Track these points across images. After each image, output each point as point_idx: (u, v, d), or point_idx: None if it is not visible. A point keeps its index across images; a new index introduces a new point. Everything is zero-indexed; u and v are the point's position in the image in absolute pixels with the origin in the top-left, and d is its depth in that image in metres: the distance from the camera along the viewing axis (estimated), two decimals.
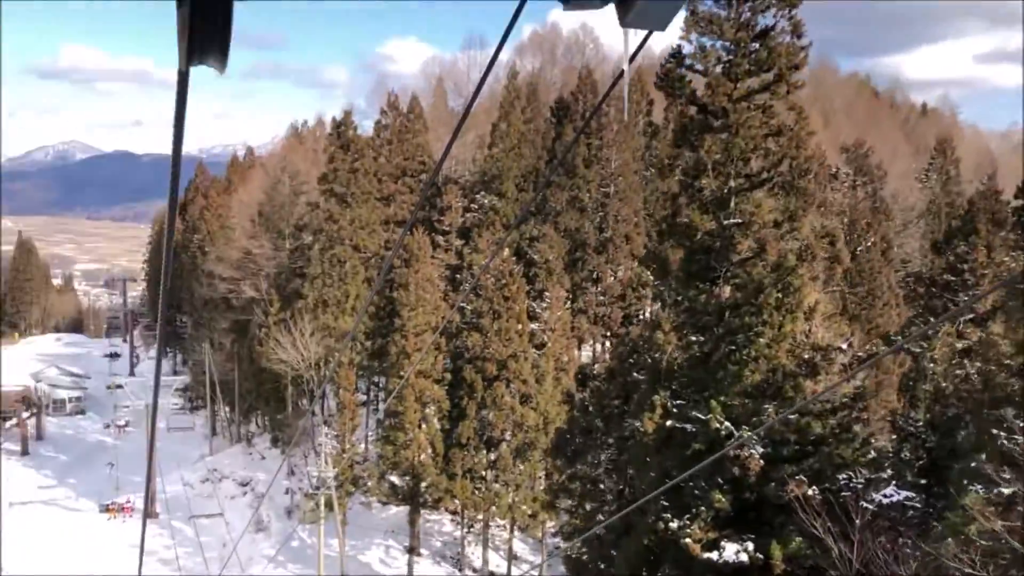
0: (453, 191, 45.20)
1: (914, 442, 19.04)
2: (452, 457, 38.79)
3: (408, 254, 39.45)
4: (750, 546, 17.17)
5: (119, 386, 68.60)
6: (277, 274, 48.94)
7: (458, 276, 44.71)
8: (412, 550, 41.08)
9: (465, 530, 43.40)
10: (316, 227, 46.12)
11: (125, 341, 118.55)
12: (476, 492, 39.33)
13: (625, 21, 1.61)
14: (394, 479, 40.23)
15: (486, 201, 45.79)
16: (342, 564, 40.23)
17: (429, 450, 39.45)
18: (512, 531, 41.71)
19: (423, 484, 39.21)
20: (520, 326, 39.02)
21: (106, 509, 47.50)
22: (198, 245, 67.85)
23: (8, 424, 61.82)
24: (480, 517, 41.53)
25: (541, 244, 44.45)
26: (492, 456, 39.61)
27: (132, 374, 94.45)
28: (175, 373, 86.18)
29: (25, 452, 61.16)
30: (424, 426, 39.84)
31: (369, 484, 40.94)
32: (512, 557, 42.15)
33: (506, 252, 40.40)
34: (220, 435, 64.40)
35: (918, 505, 16.86)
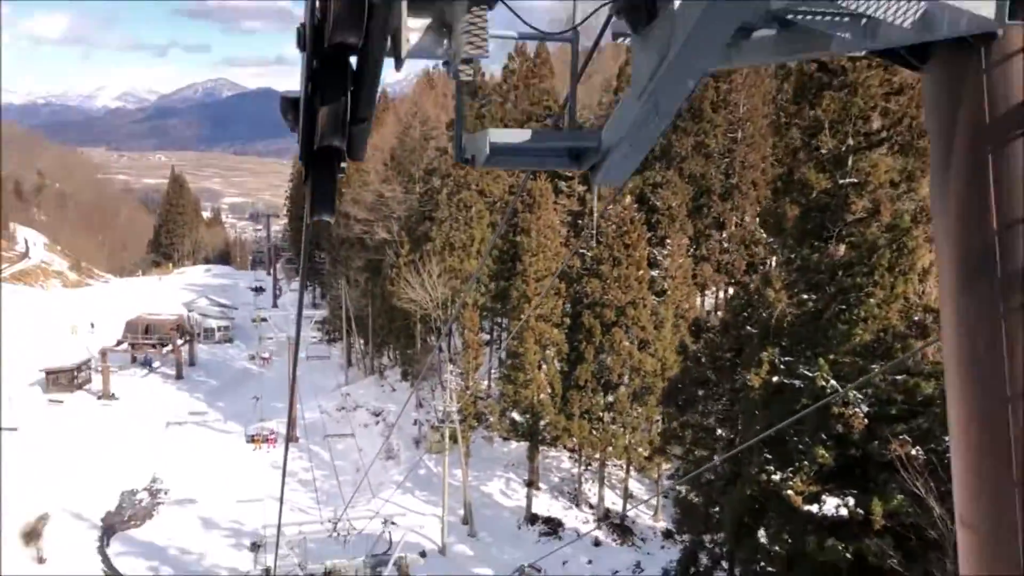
0: None
1: None
2: (570, 398, 40.08)
3: (531, 200, 40.42)
4: (851, 501, 17.62)
5: (263, 319, 73.33)
6: (408, 217, 51.01)
7: (580, 222, 45.41)
8: (531, 484, 42.96)
9: (582, 468, 44.92)
10: (444, 172, 47.62)
11: (269, 274, 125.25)
12: (593, 432, 40.58)
13: (593, 180, 2.51)
14: (515, 416, 41.93)
15: None
16: (465, 493, 42.58)
17: (548, 390, 40.89)
18: (628, 471, 42.92)
19: (542, 422, 40.77)
20: (640, 273, 39.56)
21: (251, 440, 51.40)
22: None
23: (165, 350, 67.26)
24: (597, 456, 42.83)
25: (664, 190, 44.50)
26: (609, 399, 40.69)
27: (275, 306, 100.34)
28: (314, 307, 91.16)
29: (179, 376, 66.56)
30: (544, 367, 41.28)
31: (491, 420, 42.91)
32: (627, 496, 43.48)
33: (628, 199, 40.75)
34: (355, 366, 68.15)
35: None
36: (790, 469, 18.26)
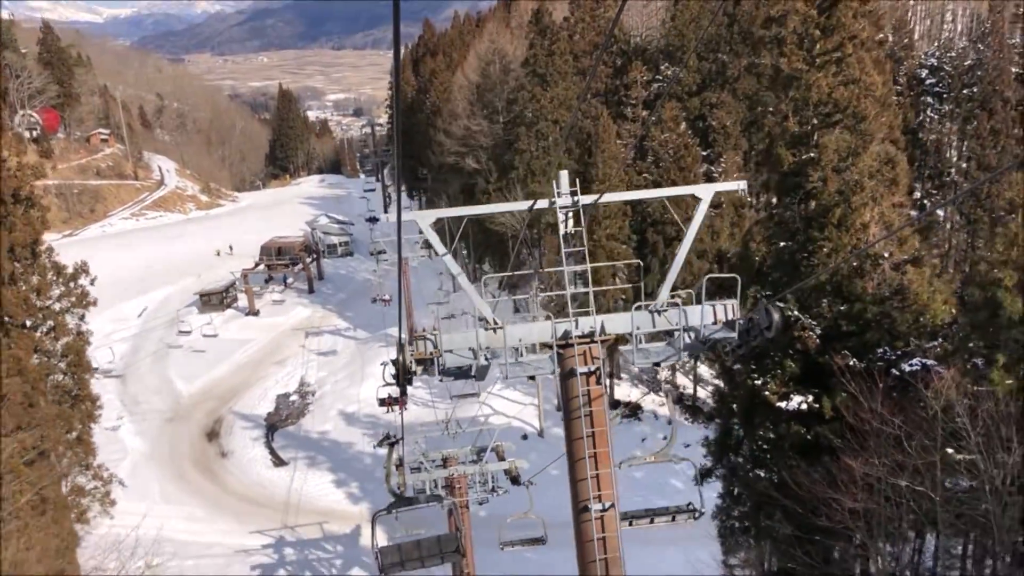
0: (638, 67, 50.49)
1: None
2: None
3: (596, 133, 46.18)
4: (809, 398, 24.13)
5: (375, 219, 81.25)
6: (493, 146, 57.41)
7: (644, 144, 50.81)
8: (611, 375, 50.44)
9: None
10: (522, 105, 53.52)
11: (378, 180, 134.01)
12: None
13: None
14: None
15: (669, 72, 50.88)
16: (556, 383, 50.40)
17: (622, 297, 47.66)
18: (696, 360, 49.72)
19: None
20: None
21: (375, 300, 60.26)
22: (430, 109, 77.55)
23: (297, 268, 76.95)
24: None
25: (719, 110, 49.27)
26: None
27: (385, 211, 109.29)
28: None
29: (311, 291, 76.34)
30: (616, 279, 47.93)
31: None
32: (697, 381, 50.48)
33: (683, 126, 46.01)
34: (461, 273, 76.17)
35: (940, 371, 22.89)
36: (768, 375, 24.85)
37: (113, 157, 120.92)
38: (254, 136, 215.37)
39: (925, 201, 47.73)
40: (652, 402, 50.64)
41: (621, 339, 10.74)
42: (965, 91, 46.91)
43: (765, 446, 26.42)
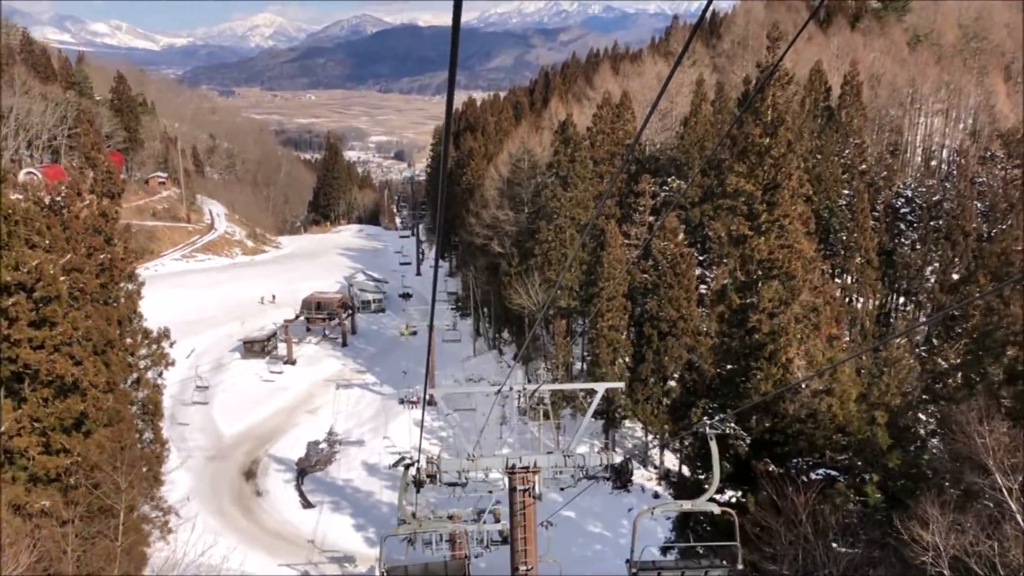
0: (647, 178, 57.51)
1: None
2: (635, 388, 53.15)
3: (603, 240, 53.06)
4: (739, 493, 30.39)
5: (408, 295, 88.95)
6: (517, 233, 64.56)
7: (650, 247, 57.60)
8: (605, 448, 56.51)
9: (649, 438, 58.13)
10: (544, 202, 60.70)
11: (412, 235, 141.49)
12: (653, 414, 53.63)
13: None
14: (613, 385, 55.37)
15: (674, 185, 57.89)
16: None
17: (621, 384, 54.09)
18: (682, 442, 55.72)
19: (613, 407, 54.17)
20: (687, 293, 51.77)
21: (401, 401, 66.91)
22: (465, 185, 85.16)
23: (334, 322, 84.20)
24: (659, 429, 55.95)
25: (715, 222, 55.98)
26: (665, 388, 53.53)
27: (418, 273, 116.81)
28: (450, 275, 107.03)
29: (344, 344, 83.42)
30: (615, 364, 54.43)
31: (575, 402, 56.59)
32: (683, 461, 56.38)
33: (680, 236, 52.79)
34: (482, 337, 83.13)
35: (841, 479, 29.10)
36: (708, 472, 31.13)
37: (169, 200, 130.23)
38: (299, 178, 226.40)
39: (892, 317, 53.92)
40: (641, 477, 56.62)
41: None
42: (932, 223, 53.25)
43: (708, 528, 32.62)
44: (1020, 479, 14.08)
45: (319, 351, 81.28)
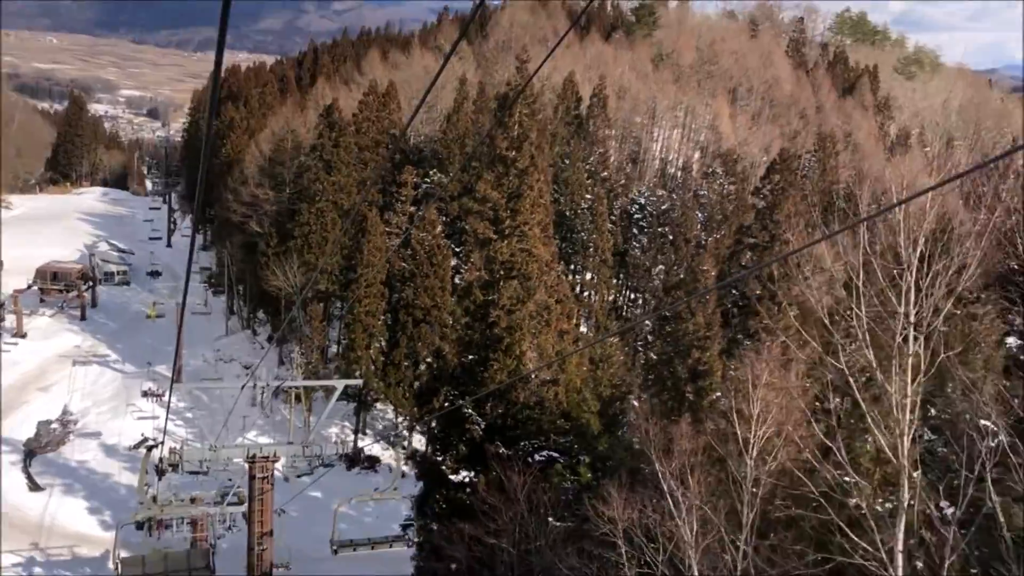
0: (410, 170, 59.45)
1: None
2: (388, 372, 55.07)
3: (364, 226, 54.39)
4: (473, 473, 33.26)
5: (157, 273, 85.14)
6: (277, 213, 64.17)
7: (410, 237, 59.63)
8: (357, 431, 58.24)
9: (400, 419, 60.37)
10: (306, 184, 60.89)
11: (164, 202, 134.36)
12: (404, 397, 55.84)
13: None
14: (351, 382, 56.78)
15: (435, 178, 60.30)
16: (306, 434, 57.47)
17: (372, 366, 55.73)
18: (431, 424, 58.48)
19: (365, 390, 55.79)
20: (442, 283, 54.36)
21: (146, 394, 64.07)
22: (224, 159, 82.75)
23: (72, 294, 78.95)
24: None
25: (471, 216, 59.01)
26: (417, 373, 55.89)
27: (169, 244, 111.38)
28: (204, 249, 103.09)
29: (83, 318, 78.55)
30: (370, 349, 56.03)
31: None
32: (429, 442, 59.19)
33: (438, 228, 55.29)
34: (236, 316, 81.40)
35: (560, 461, 32.65)
36: (448, 454, 33.77)
37: None
38: (34, 130, 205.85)
39: (623, 312, 59.84)
40: (390, 457, 58.72)
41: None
42: (660, 229, 59.59)
43: (444, 505, 35.26)
44: (672, 464, 17.52)
45: (54, 324, 76.02)
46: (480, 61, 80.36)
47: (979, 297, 28.35)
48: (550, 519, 29.54)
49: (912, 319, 15.42)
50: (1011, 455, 17.07)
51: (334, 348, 63.84)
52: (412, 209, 60.16)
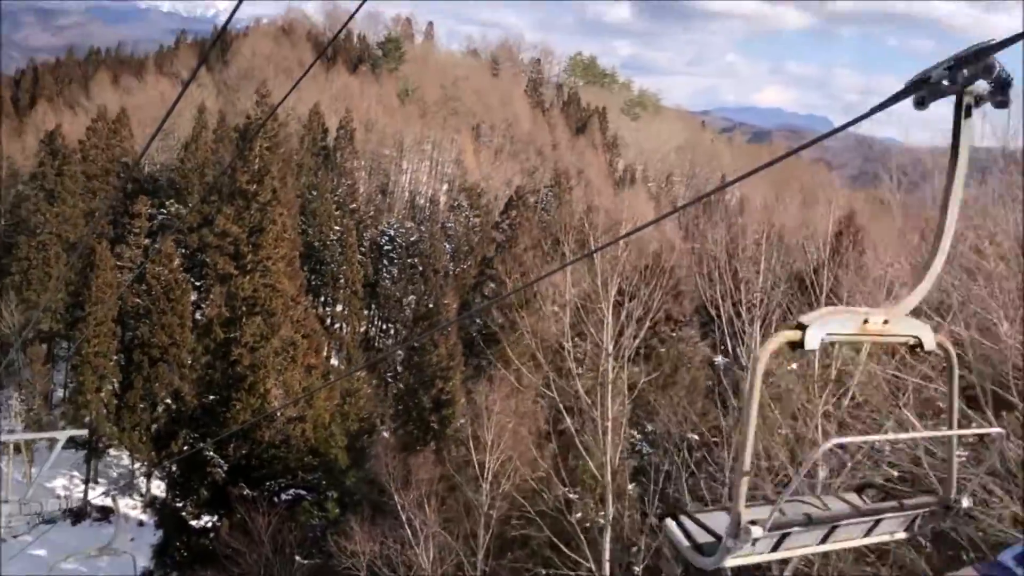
0: (144, 200, 56.35)
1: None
2: (123, 416, 51.53)
3: (94, 259, 50.83)
4: (216, 517, 32.20)
5: None
6: None
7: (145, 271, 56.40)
8: (87, 481, 53.89)
9: (136, 465, 56.52)
10: (25, 215, 55.86)
11: None
12: (141, 441, 52.44)
13: None
14: (75, 432, 52.43)
15: (173, 209, 57.62)
16: (26, 489, 52.33)
17: (104, 410, 51.86)
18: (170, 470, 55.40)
19: (96, 436, 51.81)
20: (180, 319, 51.87)
21: None
22: None
23: None
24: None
25: (211, 250, 56.96)
26: (155, 415, 52.76)
27: None
28: None
29: None
30: (101, 392, 52.16)
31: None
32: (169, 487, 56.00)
33: (176, 262, 52.78)
34: None
35: (308, 498, 32.40)
36: (188, 499, 32.43)
37: None
38: None
39: (375, 343, 60.33)
40: (126, 506, 54.80)
41: None
42: (410, 260, 60.80)
43: (185, 553, 33.77)
44: (411, 495, 18.32)
45: None
46: (220, 88, 77.91)
47: (690, 320, 31.85)
48: (297, 557, 29.27)
49: (611, 350, 17.33)
50: (710, 463, 19.50)
51: (60, 393, 58.72)
52: (147, 242, 57.02)
